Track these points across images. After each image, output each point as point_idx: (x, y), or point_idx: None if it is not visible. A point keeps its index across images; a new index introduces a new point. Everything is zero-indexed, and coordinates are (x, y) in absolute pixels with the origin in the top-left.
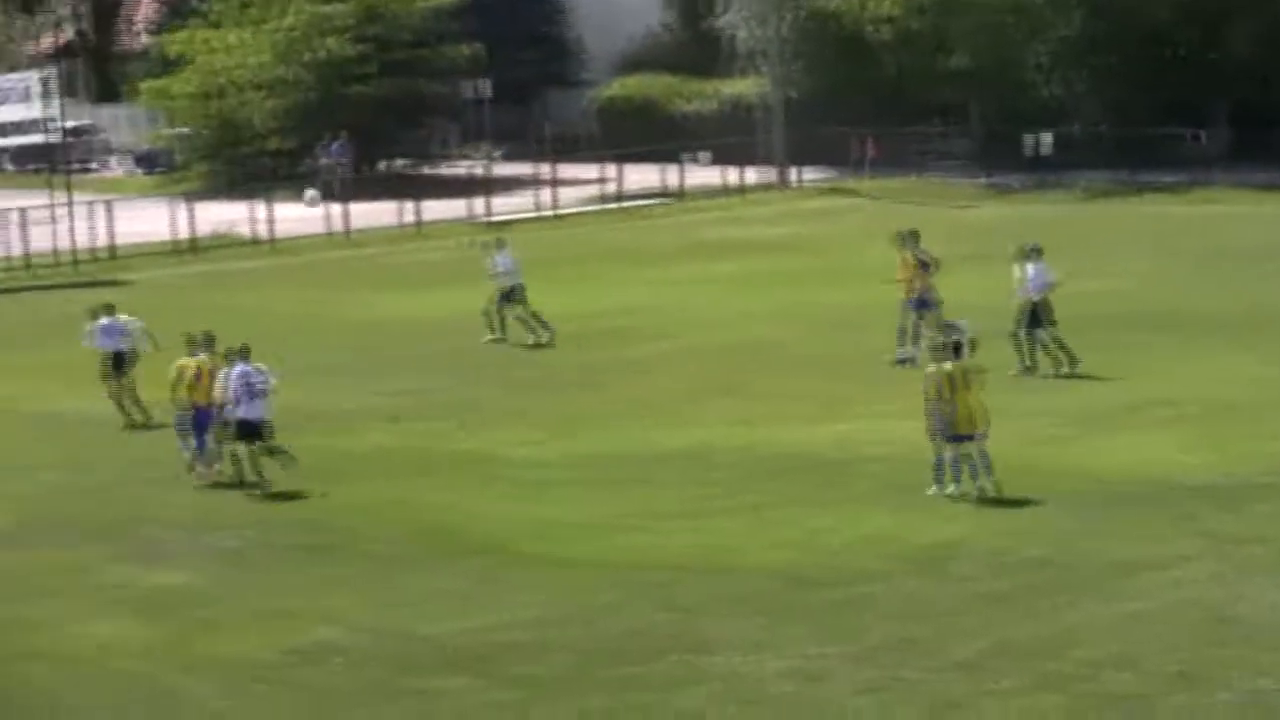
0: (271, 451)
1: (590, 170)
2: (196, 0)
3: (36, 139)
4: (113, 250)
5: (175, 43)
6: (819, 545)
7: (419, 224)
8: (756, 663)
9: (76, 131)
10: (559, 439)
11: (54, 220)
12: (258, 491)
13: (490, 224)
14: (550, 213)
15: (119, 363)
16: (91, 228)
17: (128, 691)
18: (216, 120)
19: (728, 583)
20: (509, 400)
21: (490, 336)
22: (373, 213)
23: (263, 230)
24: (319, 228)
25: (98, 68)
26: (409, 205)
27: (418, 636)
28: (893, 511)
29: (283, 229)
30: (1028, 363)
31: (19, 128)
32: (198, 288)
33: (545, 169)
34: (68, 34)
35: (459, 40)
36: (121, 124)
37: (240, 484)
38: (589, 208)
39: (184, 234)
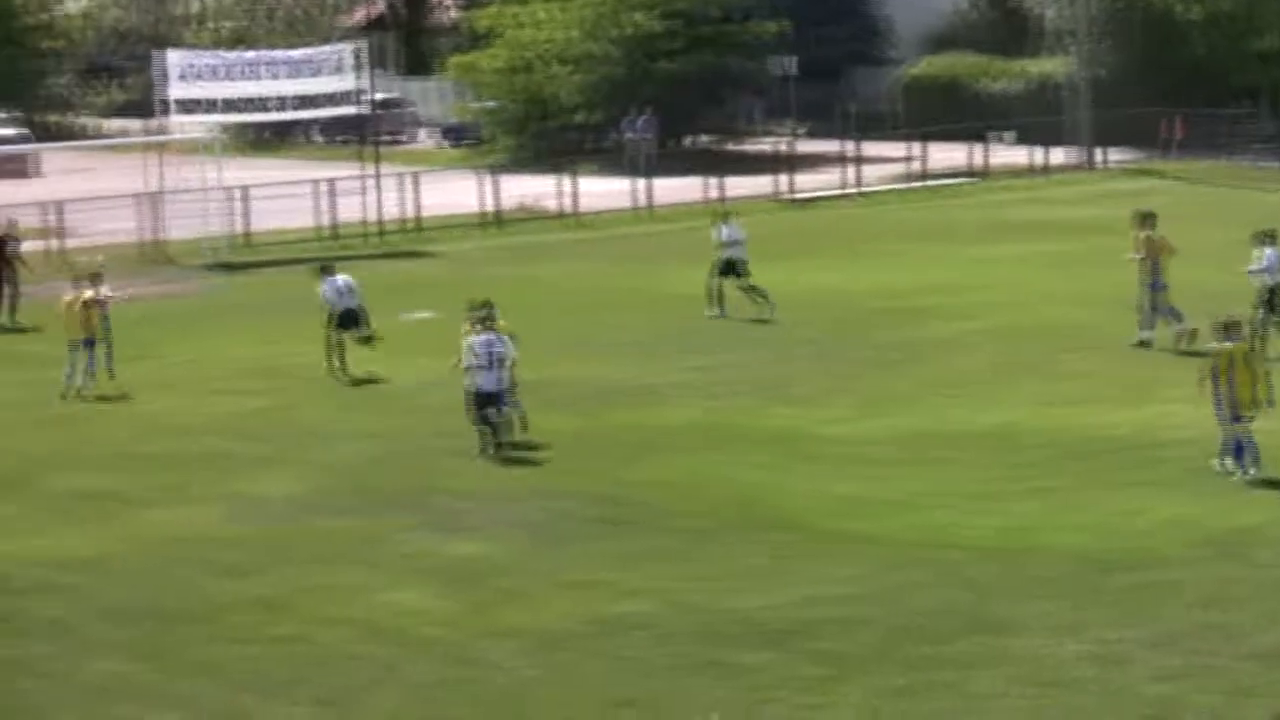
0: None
1: (895, 148)
2: None
3: (346, 111)
4: (418, 222)
5: (484, 18)
6: (1120, 529)
7: (722, 200)
8: (1056, 645)
9: (386, 104)
10: (865, 416)
11: (364, 191)
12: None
13: (793, 201)
14: (854, 190)
15: (346, 320)
16: (404, 199)
17: (436, 658)
18: (523, 94)
19: (1029, 564)
20: (816, 377)
21: (710, 312)
22: (676, 188)
23: (567, 204)
24: (623, 202)
25: (407, 41)
26: (712, 181)
27: (722, 610)
28: (1194, 496)
29: (586, 203)
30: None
31: (330, 99)
32: (501, 260)
33: (849, 147)
34: (379, 7)
35: (766, 16)
36: (430, 97)
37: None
38: (892, 186)
39: (489, 207)
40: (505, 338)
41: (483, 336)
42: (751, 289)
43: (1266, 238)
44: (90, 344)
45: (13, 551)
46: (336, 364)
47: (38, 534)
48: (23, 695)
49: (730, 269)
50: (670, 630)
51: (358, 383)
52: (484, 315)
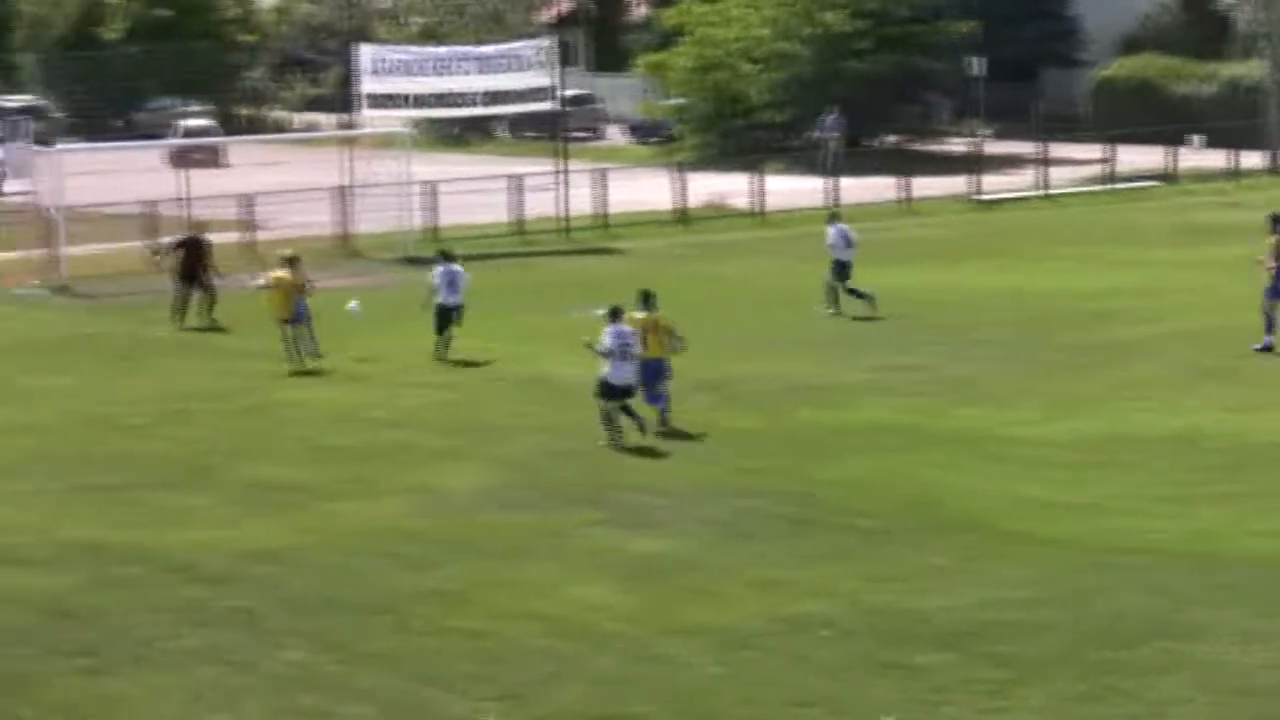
0: (628, 413)
1: (1084, 150)
2: None
3: (536, 107)
4: (605, 218)
5: (673, 15)
6: None
7: (908, 200)
8: (1242, 652)
9: (575, 100)
10: (1051, 418)
11: (556, 186)
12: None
13: (978, 202)
14: (1040, 192)
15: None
16: (594, 194)
17: (619, 654)
18: (712, 92)
19: (1214, 570)
20: (1001, 378)
21: (828, 310)
22: (863, 188)
23: (754, 202)
24: (810, 201)
25: (597, 37)
26: (899, 181)
27: (904, 611)
28: None
29: (773, 201)
30: None
31: (520, 95)
32: (687, 257)
33: (1038, 148)
34: (569, 4)
35: (956, 16)
36: (619, 93)
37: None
38: (1081, 188)
39: (677, 204)
40: (633, 331)
41: (613, 327)
42: (852, 291)
43: None
44: (294, 323)
45: (203, 541)
46: (440, 350)
47: (227, 524)
48: (210, 683)
49: (838, 270)
50: (852, 630)
51: (539, 378)
52: (615, 308)
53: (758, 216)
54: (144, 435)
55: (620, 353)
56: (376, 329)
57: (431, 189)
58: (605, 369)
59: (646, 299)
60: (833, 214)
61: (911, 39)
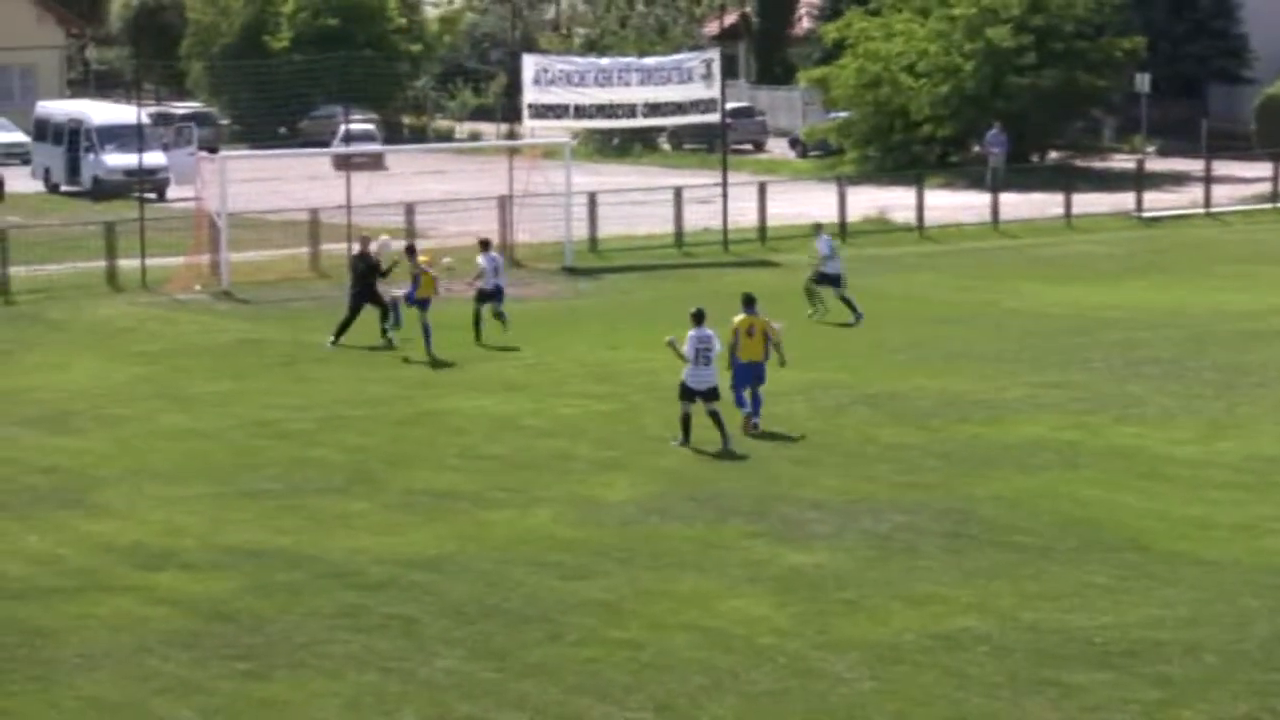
0: (716, 420)
1: (1249, 169)
2: None
3: (699, 119)
4: (763, 231)
5: (835, 29)
6: None
7: (1068, 216)
8: None
9: (736, 113)
10: (1212, 438)
11: (717, 199)
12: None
13: (1140, 219)
14: (1202, 211)
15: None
16: (754, 207)
17: (774, 667)
18: (874, 106)
19: None
20: (1162, 396)
21: (810, 312)
22: (1025, 203)
23: (915, 216)
24: (971, 217)
25: (760, 51)
26: (1060, 197)
27: (1063, 629)
28: None
29: (933, 216)
30: None
31: (682, 108)
32: (848, 271)
33: (1202, 165)
34: (732, 17)
35: (1122, 32)
36: (780, 106)
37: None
38: (1245, 206)
39: (836, 218)
40: (716, 335)
41: (694, 331)
42: (846, 300)
43: None
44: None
45: (364, 547)
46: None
47: (387, 531)
48: (368, 689)
49: (827, 280)
50: (1008, 647)
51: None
52: (698, 311)
53: (919, 231)
54: (305, 441)
55: (699, 357)
56: (535, 338)
57: (591, 199)
58: (685, 371)
59: (748, 302)
60: (819, 226)
61: (1076, 55)
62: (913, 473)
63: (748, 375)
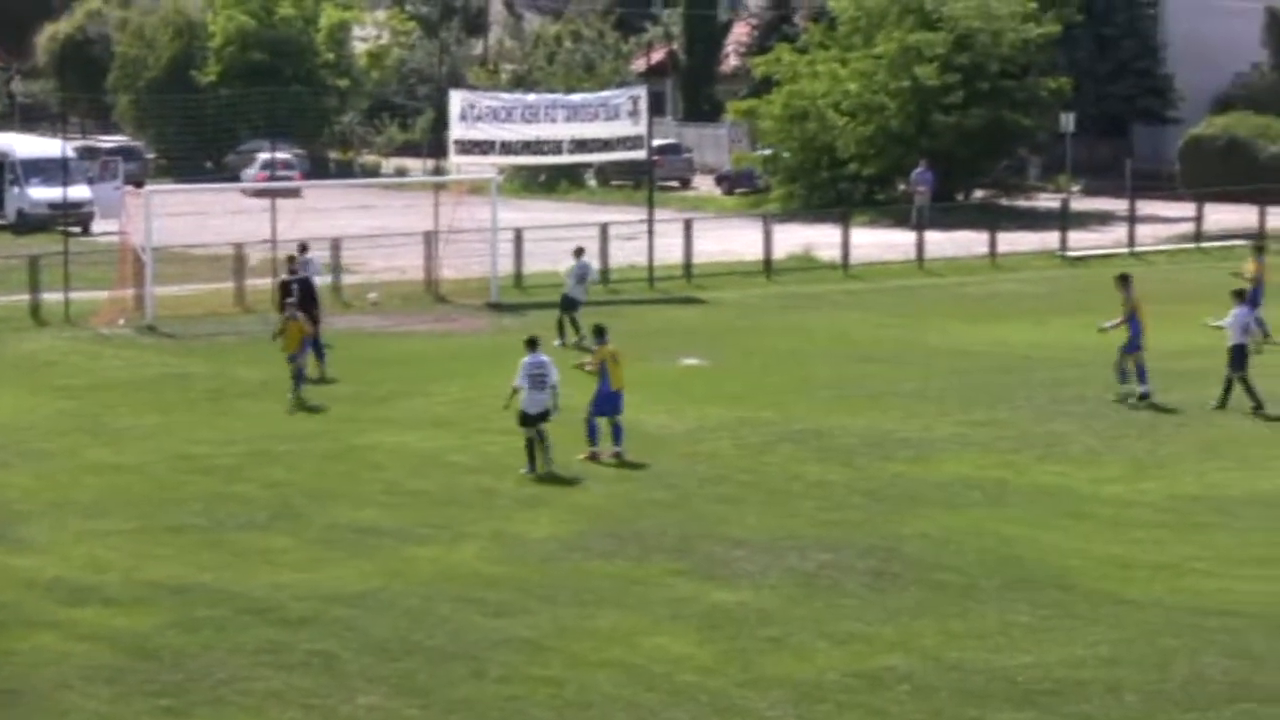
0: (541, 441)
1: (1172, 208)
2: (789, 26)
3: (625, 156)
4: (688, 268)
5: (762, 64)
6: None
7: (993, 255)
8: None
9: (663, 150)
10: (1135, 478)
11: (645, 235)
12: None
13: (1065, 258)
14: (1126, 250)
15: None
16: (680, 244)
17: (697, 705)
18: (799, 143)
19: None
20: (1086, 436)
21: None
22: (950, 242)
23: (839, 254)
24: (897, 255)
25: (687, 88)
26: (985, 236)
27: (987, 668)
28: None
29: (858, 254)
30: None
31: (608, 144)
32: (773, 308)
33: (1126, 205)
34: (659, 55)
35: (1047, 72)
36: (706, 143)
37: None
38: (1167, 246)
39: (762, 255)
40: (551, 361)
41: (529, 357)
42: (573, 322)
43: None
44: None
45: (286, 583)
46: None
47: (310, 567)
48: None
49: (571, 305)
50: (931, 686)
51: (630, 425)
52: (532, 338)
53: (844, 269)
54: (229, 476)
55: (533, 382)
56: (460, 373)
57: (518, 235)
58: (522, 399)
59: (600, 333)
60: (578, 249)
61: (1002, 94)
62: (838, 510)
63: (611, 403)
